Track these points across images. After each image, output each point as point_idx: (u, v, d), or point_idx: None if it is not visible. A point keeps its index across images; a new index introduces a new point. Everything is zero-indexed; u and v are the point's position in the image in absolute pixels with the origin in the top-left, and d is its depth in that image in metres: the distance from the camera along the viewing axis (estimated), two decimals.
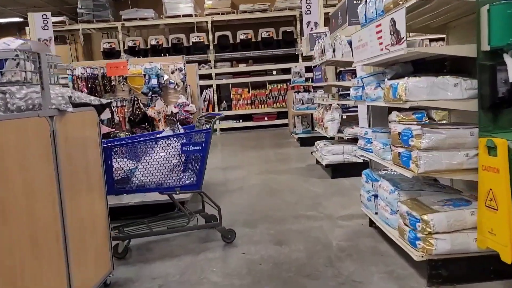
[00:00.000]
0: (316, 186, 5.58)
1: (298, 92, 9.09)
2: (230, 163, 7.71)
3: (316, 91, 9.14)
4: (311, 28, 9.55)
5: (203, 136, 3.77)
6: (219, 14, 12.87)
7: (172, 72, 4.84)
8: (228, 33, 12.89)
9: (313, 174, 6.23)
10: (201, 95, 12.97)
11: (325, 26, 9.19)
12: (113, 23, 12.75)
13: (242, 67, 12.83)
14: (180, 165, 3.70)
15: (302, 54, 11.07)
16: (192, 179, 3.72)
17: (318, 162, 6.88)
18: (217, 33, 12.90)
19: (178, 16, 12.82)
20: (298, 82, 8.85)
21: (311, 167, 6.79)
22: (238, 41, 12.79)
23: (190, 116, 4.82)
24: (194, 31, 13.03)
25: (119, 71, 4.63)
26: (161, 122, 4.78)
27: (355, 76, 8.99)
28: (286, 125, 12.57)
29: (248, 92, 12.89)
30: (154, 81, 4.64)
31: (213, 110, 12.86)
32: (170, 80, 4.86)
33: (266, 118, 12.86)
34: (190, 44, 12.77)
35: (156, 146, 3.62)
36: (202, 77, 12.86)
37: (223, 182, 6.18)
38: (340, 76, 8.72)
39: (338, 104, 5.89)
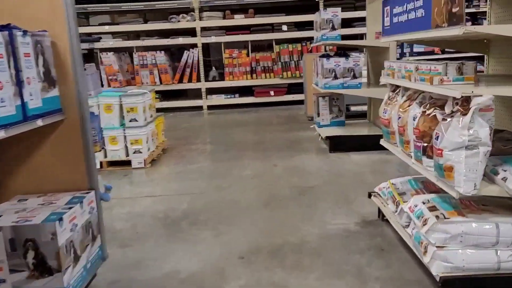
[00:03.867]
0: None
1: (327, 56, 4.95)
2: (193, 198, 3.68)
3: (349, 55, 5.00)
4: None
5: None
6: None
7: None
8: None
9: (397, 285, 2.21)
10: (173, 58, 8.83)
11: None
12: None
13: (239, 19, 8.59)
14: None
15: None
16: None
17: (383, 217, 2.89)
18: None
19: None
20: (329, 39, 4.73)
21: (372, 233, 2.76)
22: None
23: None
24: None
25: None
26: None
27: None
28: (300, 102, 8.44)
29: (248, 55, 8.72)
30: None
31: (198, 80, 8.72)
32: None
33: (272, 93, 8.73)
34: None
35: None
36: (181, 32, 8.67)
37: None
38: None
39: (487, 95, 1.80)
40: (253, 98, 8.78)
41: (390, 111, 2.69)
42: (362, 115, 6.64)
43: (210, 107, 8.87)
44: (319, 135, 5.38)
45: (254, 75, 8.72)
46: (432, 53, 4.41)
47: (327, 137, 4.92)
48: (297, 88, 8.57)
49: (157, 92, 8.67)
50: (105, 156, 4.69)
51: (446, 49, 4.41)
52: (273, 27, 8.65)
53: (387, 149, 4.85)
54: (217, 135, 6.40)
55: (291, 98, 8.70)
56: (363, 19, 8.33)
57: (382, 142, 2.89)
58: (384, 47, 4.76)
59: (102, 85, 8.48)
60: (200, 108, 8.85)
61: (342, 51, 5.20)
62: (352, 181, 3.87)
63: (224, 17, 8.67)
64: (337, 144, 4.90)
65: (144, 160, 4.65)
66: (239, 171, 4.38)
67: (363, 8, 8.37)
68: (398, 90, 2.68)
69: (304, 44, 8.55)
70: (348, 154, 4.79)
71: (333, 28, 4.76)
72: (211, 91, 8.94)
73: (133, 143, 4.63)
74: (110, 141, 4.62)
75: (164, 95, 8.95)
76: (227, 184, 4.00)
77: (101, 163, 4.64)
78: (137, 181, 4.27)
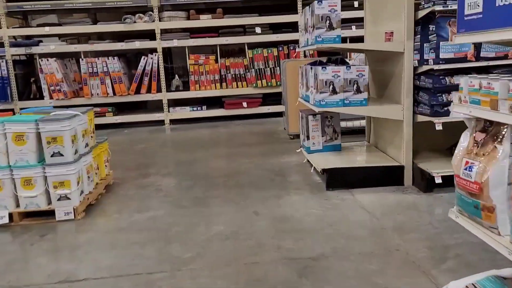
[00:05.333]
0: None
1: (322, 64, 3.67)
2: None
3: (348, 64, 3.78)
4: None
5: None
6: None
7: None
8: None
9: None
10: (129, 65, 7.42)
11: None
12: None
13: (206, 20, 7.25)
14: None
15: None
16: None
17: None
18: None
19: None
20: (326, 41, 3.41)
21: None
22: None
23: None
24: None
25: None
26: None
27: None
28: (277, 114, 7.19)
29: (216, 61, 7.37)
30: None
31: (159, 90, 7.31)
32: None
33: (244, 104, 7.42)
34: None
35: None
36: (138, 35, 7.26)
37: None
38: (431, 27, 3.31)
39: None
40: (223, 110, 7.44)
41: (482, 168, 1.42)
42: (354, 131, 5.46)
43: (173, 121, 7.46)
44: (310, 164, 4.09)
45: (223, 84, 7.38)
46: (464, 60, 3.20)
47: (324, 170, 3.63)
48: (274, 98, 7.30)
49: (110, 105, 7.24)
50: (17, 206, 3.24)
51: (481, 55, 3.20)
52: (245, 29, 7.35)
53: (400, 184, 3.66)
54: (179, 161, 5.02)
55: (267, 110, 7.42)
56: (349, 20, 7.16)
57: (459, 218, 1.60)
58: (396, 52, 3.52)
59: (43, 97, 6.97)
60: (161, 122, 7.43)
61: (339, 58, 3.95)
62: (373, 247, 2.59)
63: (188, 18, 7.29)
64: (337, 179, 3.63)
65: (74, 209, 3.23)
66: (207, 226, 3.03)
67: (350, 8, 7.22)
68: (500, 133, 1.41)
69: (280, 48, 7.28)
70: (352, 192, 3.53)
71: (331, 27, 3.48)
72: (174, 103, 7.55)
73: (58, 186, 3.21)
74: (23, 184, 3.18)
75: (119, 108, 7.49)
76: (188, 253, 2.64)
77: (11, 215, 3.19)
78: (57, 247, 2.85)
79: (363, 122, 5.51)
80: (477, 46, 3.25)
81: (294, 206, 3.32)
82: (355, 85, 3.55)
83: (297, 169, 4.31)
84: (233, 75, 7.35)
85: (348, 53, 6.47)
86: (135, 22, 7.01)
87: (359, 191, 3.54)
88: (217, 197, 3.63)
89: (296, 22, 7.22)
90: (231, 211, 3.30)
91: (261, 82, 7.31)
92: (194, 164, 4.76)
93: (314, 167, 3.92)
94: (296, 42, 7.25)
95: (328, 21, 3.48)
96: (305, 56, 7.25)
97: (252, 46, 7.34)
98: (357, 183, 3.62)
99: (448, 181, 3.36)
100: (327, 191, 3.59)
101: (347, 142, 4.56)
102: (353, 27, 7.20)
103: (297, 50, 6.47)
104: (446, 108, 3.31)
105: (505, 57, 3.27)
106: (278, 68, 7.24)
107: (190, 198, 3.65)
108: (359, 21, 6.93)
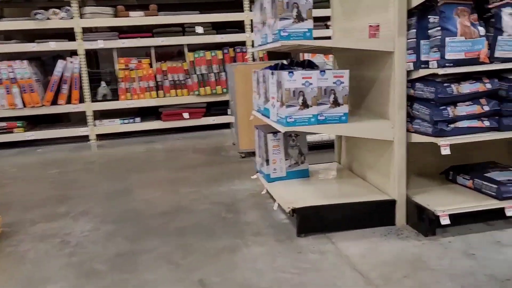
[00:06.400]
0: None
1: (288, 68, 2.73)
2: None
3: (317, 67, 2.87)
4: None
5: None
6: None
7: None
8: None
9: None
10: (45, 70, 6.14)
11: None
12: None
13: (137, 18, 6.11)
14: None
15: None
16: None
17: None
18: None
19: None
20: (293, 37, 2.48)
21: None
22: None
23: None
24: None
25: None
26: None
27: None
28: (223, 126, 6.21)
29: (151, 65, 6.25)
30: None
31: (81, 100, 6.05)
32: None
33: (185, 115, 6.34)
34: None
35: None
36: (55, 35, 6.00)
37: None
38: (431, 18, 2.40)
39: None
40: (160, 122, 6.32)
41: None
42: (315, 147, 4.63)
43: (100, 137, 6.23)
44: (271, 196, 3.13)
45: (160, 92, 6.27)
46: (475, 61, 2.38)
47: (294, 211, 2.67)
48: (219, 108, 6.32)
49: (20, 118, 5.90)
50: None
51: (496, 55, 2.39)
52: (184, 29, 6.29)
53: (391, 224, 2.78)
54: (102, 192, 3.87)
55: (212, 122, 6.40)
56: None
57: None
58: (383, 52, 2.65)
59: None
60: (86, 138, 6.18)
61: (306, 60, 3.02)
62: None
63: (115, 15, 6.11)
64: (310, 221, 2.69)
65: None
66: None
67: None
68: None
69: (226, 51, 6.29)
70: (331, 238, 2.60)
71: (300, 18, 2.53)
72: (102, 115, 6.33)
73: None
74: None
75: (33, 122, 6.15)
76: None
77: None
78: None
79: (325, 136, 4.68)
80: (491, 44, 2.44)
81: (257, 267, 2.33)
82: (332, 96, 2.63)
83: (254, 201, 3.33)
84: (171, 82, 6.26)
85: (300, 56, 5.63)
86: (48, 18, 5.73)
87: (341, 236, 2.62)
88: (148, 253, 2.56)
89: (243, 21, 6.30)
90: (168, 279, 2.24)
91: (204, 89, 6.28)
92: (121, 196, 3.64)
93: (279, 204, 2.95)
94: (243, 43, 6.32)
95: (296, 10, 2.54)
96: (253, 59, 6.32)
97: (193, 48, 6.30)
98: (336, 224, 2.71)
99: (455, 220, 2.54)
100: (298, 238, 2.64)
101: (312, 164, 3.65)
102: None
103: (250, 50, 5.52)
104: (453, 126, 2.47)
105: None
106: (223, 73, 6.25)
107: (108, 255, 2.55)
108: (317, 21, 6.14)
